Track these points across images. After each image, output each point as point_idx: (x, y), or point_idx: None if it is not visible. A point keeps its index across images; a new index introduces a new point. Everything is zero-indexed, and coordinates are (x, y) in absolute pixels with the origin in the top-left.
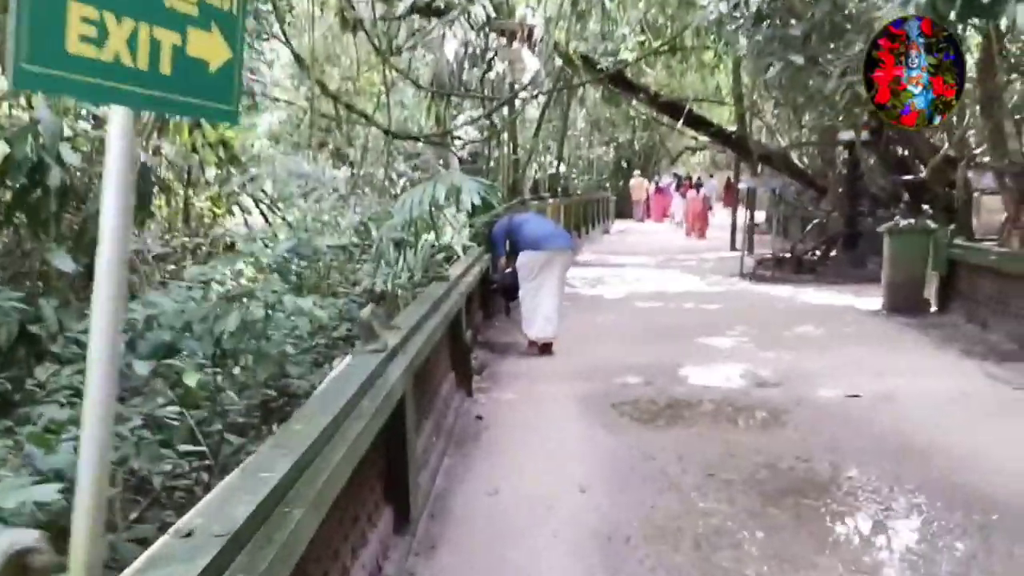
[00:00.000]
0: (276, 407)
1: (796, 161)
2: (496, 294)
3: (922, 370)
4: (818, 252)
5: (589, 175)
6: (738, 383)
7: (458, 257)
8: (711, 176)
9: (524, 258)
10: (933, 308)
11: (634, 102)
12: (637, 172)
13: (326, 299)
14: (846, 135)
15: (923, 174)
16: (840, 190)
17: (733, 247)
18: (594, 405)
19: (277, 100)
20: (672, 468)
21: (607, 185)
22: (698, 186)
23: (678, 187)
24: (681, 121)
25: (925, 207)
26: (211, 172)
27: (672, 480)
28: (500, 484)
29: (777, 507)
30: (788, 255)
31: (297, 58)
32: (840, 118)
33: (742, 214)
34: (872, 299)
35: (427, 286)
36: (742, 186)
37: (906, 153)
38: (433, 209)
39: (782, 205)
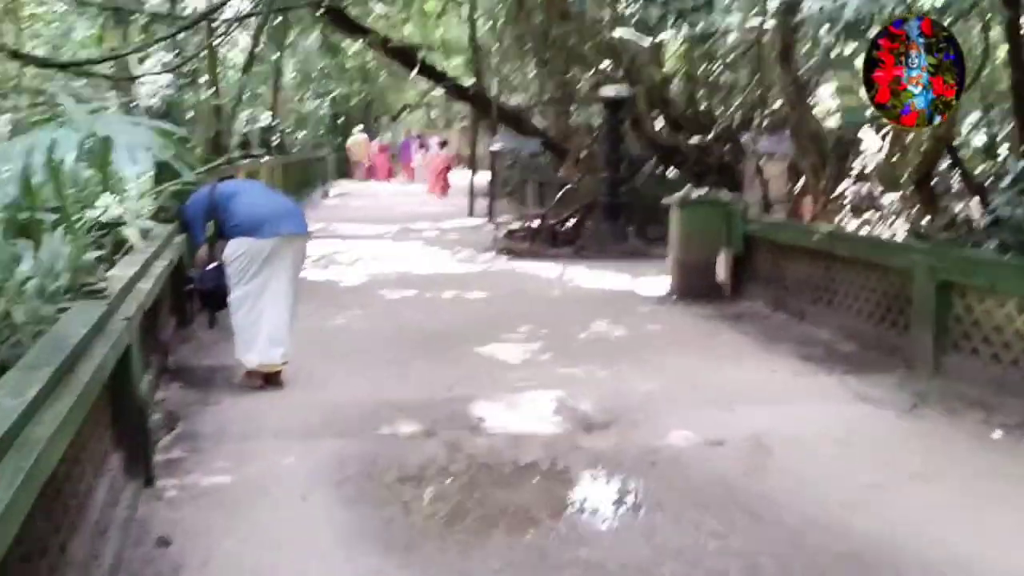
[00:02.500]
0: None
1: (546, 123)
2: (195, 298)
3: (776, 393)
4: (571, 223)
5: (304, 131)
6: (557, 426)
7: (130, 248)
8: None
9: (236, 247)
10: (726, 293)
11: (357, 48)
12: (359, 128)
13: None
14: (610, 90)
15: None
16: (585, 154)
17: (471, 213)
18: (361, 493)
19: None
20: None
21: (323, 143)
22: (443, 144)
23: (421, 145)
24: (415, 71)
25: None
26: None
27: None
28: None
29: None
30: (538, 225)
31: None
32: (591, 73)
33: (479, 177)
34: (652, 280)
35: (67, 311)
36: (494, 147)
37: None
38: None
39: (518, 168)
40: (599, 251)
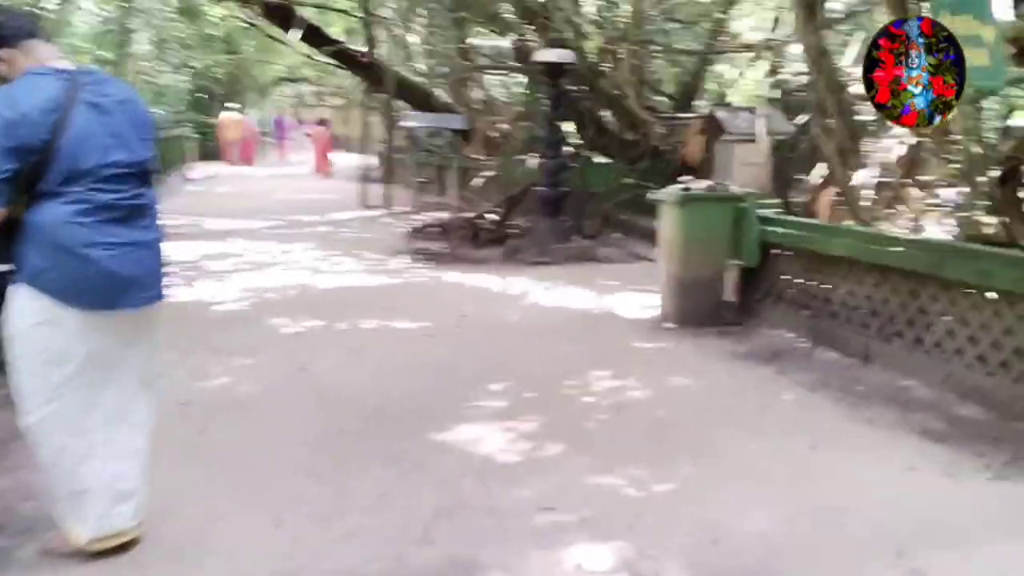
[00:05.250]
0: None
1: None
2: None
3: (956, 519)
4: (493, 217)
5: (161, 106)
6: None
7: None
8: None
9: (31, 310)
10: (736, 317)
11: (222, 13)
12: (231, 105)
13: None
14: (550, 55)
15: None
16: (499, 134)
17: (366, 203)
18: None
19: None
20: None
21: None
22: (321, 122)
23: (300, 123)
24: (295, 34)
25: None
26: None
27: None
28: None
29: None
30: (452, 220)
31: None
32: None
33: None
34: (626, 296)
35: None
36: (409, 124)
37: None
38: None
39: (420, 150)
40: (539, 254)
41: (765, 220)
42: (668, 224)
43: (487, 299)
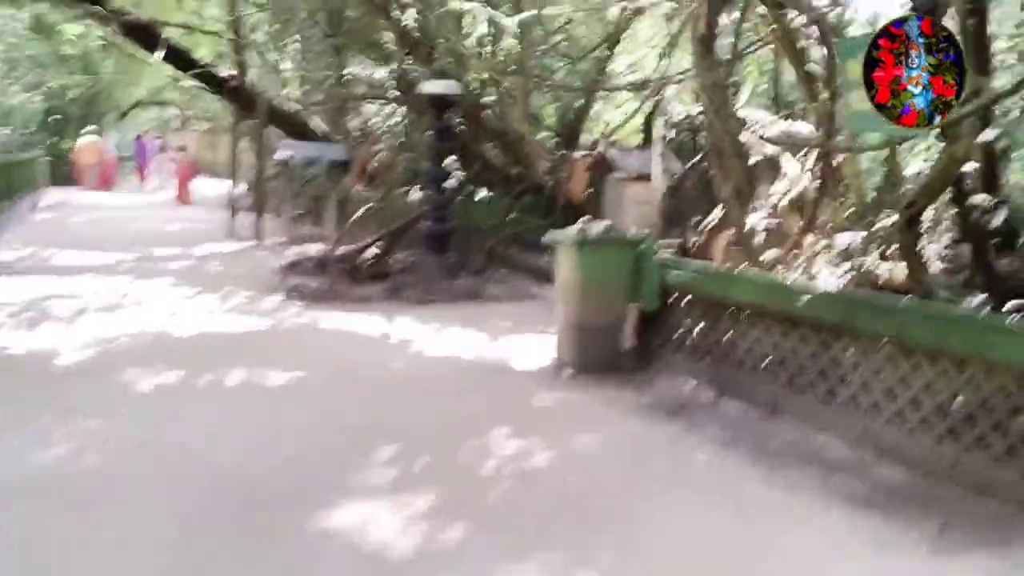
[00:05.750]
0: None
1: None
2: None
3: None
4: (373, 252)
5: (9, 127)
6: None
7: None
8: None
9: None
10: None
11: (79, 31)
12: (90, 128)
13: None
14: (436, 86)
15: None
16: (378, 165)
17: (233, 235)
18: None
19: None
20: None
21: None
22: (181, 148)
23: (162, 149)
24: (161, 56)
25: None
26: None
27: None
28: None
29: None
30: (329, 255)
31: None
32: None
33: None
34: (520, 342)
35: None
36: (281, 155)
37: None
38: None
39: (293, 179)
40: (425, 292)
41: (665, 264)
42: (565, 267)
43: (370, 345)
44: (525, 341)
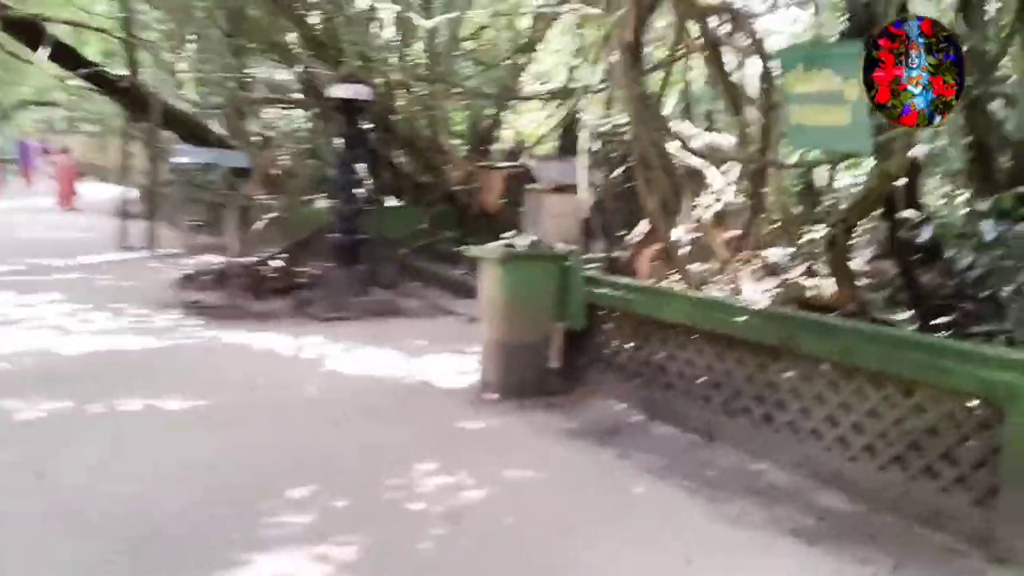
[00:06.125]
0: None
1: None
2: None
3: None
4: (276, 263)
5: None
6: None
7: None
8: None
9: None
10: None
11: None
12: None
13: None
14: (346, 90)
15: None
16: (281, 171)
17: (125, 244)
18: None
19: None
20: None
21: None
22: (63, 151)
23: (45, 151)
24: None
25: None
26: None
27: None
28: None
29: None
30: (230, 267)
31: None
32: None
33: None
34: (441, 360)
35: None
36: (176, 160)
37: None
38: None
39: (179, 185)
40: (334, 308)
41: (591, 280)
42: (490, 284)
43: (278, 366)
44: (444, 361)
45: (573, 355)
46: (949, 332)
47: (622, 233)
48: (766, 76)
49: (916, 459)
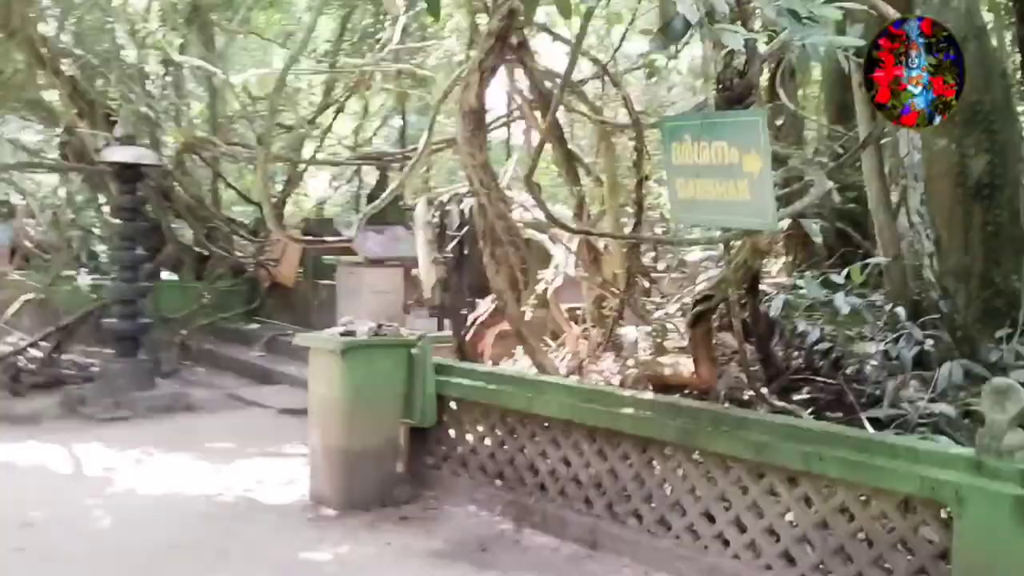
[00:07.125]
0: None
1: None
2: None
3: None
4: (45, 354)
5: None
6: None
7: None
8: None
9: None
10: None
11: None
12: None
13: None
14: (125, 153)
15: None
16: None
17: None
18: None
19: None
20: None
21: None
22: None
23: None
24: None
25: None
26: None
27: None
28: None
29: None
30: None
31: None
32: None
33: None
34: (246, 462)
35: None
36: None
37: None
38: None
39: None
40: (114, 407)
41: (443, 368)
42: (323, 379)
43: (54, 489)
44: (260, 467)
45: (422, 455)
46: (820, 413)
47: (463, 312)
48: (640, 147)
49: (843, 568)
